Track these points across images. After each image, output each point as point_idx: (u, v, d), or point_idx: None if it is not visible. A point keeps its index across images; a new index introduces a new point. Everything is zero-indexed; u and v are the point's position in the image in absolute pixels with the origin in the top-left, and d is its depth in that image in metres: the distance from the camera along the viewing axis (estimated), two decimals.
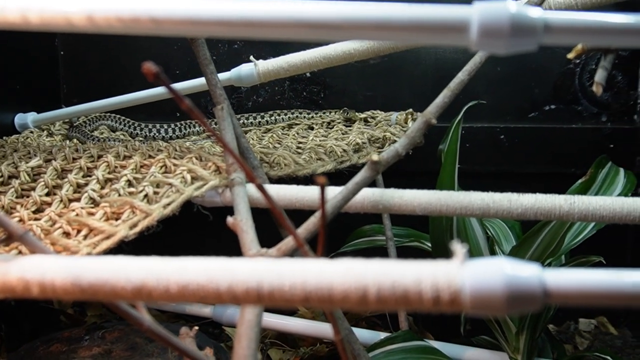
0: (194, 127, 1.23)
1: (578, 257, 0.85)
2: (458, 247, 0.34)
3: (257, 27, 0.38)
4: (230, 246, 0.73)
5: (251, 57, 0.93)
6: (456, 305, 0.33)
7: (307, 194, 0.73)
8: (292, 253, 0.61)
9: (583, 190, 0.88)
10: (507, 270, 0.32)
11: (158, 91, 1.04)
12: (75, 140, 1.09)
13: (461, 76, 0.70)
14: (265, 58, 0.95)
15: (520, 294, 0.31)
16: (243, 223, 0.65)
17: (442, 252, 0.82)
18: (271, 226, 0.76)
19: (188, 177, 0.74)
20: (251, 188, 0.73)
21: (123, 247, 0.65)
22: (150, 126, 1.20)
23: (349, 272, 0.35)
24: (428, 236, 0.97)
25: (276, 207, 0.46)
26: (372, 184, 0.68)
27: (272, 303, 0.35)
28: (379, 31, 0.37)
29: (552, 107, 1.24)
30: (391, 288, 0.33)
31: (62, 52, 1.33)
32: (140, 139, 1.17)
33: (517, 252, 0.84)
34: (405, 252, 1.08)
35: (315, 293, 0.34)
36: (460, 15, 0.36)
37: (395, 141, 1.00)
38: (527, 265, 0.33)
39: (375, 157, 0.65)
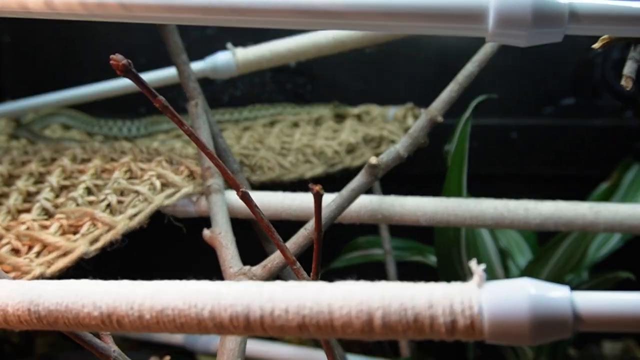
0: (162, 124, 1.22)
1: (603, 272, 0.86)
2: (475, 266, 0.35)
3: (244, 13, 0.38)
4: (208, 263, 0.73)
5: (228, 45, 0.93)
6: (473, 333, 0.33)
7: (295, 202, 0.73)
8: (280, 271, 0.61)
9: (607, 196, 0.89)
10: (532, 292, 0.33)
11: (120, 84, 1.04)
12: (23, 141, 1.08)
13: (470, 68, 0.71)
14: (244, 45, 0.95)
15: (548, 319, 0.31)
16: (222, 237, 0.65)
17: (448, 267, 0.82)
18: (250, 238, 0.76)
19: (157, 183, 0.73)
20: (231, 196, 0.73)
21: (83, 266, 0.64)
22: (110, 123, 1.19)
23: (351, 294, 0.35)
24: (432, 249, 0.97)
25: (264, 219, 0.46)
26: (369, 190, 0.68)
27: (263, 332, 0.35)
28: (383, 20, 0.37)
29: (571, 101, 1.26)
30: (399, 313, 0.34)
31: (7, 38, 1.32)
32: (100, 138, 1.16)
33: (533, 267, 0.85)
34: (406, 268, 1.08)
35: (313, 319, 0.34)
36: (474, 1, 0.37)
37: (393, 141, 1.00)
38: (555, 286, 0.33)
39: (373, 160, 0.65)
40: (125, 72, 0.41)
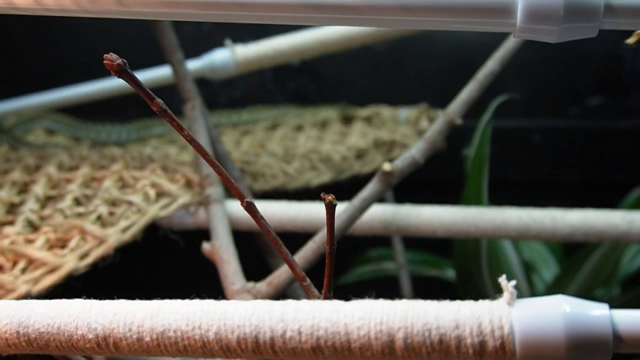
0: (154, 128, 1.23)
1: (637, 287, 0.86)
2: (504, 282, 0.35)
3: (248, 8, 0.38)
4: (208, 279, 0.72)
5: (227, 42, 0.93)
6: (504, 355, 0.33)
7: (301, 212, 0.73)
8: (287, 288, 0.61)
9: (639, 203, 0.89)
10: (568, 309, 0.32)
11: (109, 85, 1.04)
12: (5, 147, 1.08)
13: (492, 65, 0.71)
14: (244, 42, 0.95)
15: (587, 340, 0.31)
16: (223, 250, 0.65)
17: (468, 283, 0.82)
18: (251, 251, 0.76)
19: (151, 193, 0.74)
20: (231, 206, 0.73)
21: (72, 284, 0.64)
22: (98, 128, 1.20)
23: (370, 314, 0.35)
24: (450, 263, 0.97)
25: (271, 232, 0.46)
26: (380, 199, 0.68)
27: (273, 355, 0.35)
28: (400, 15, 0.37)
29: (598, 101, 1.26)
30: (423, 334, 0.33)
31: None
32: (88, 144, 1.16)
33: (560, 281, 0.85)
34: (421, 284, 1.08)
35: (328, 341, 0.34)
36: None
37: (406, 145, 1.00)
38: (592, 304, 0.33)
39: (387, 166, 0.65)
40: (120, 73, 0.41)
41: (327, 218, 0.42)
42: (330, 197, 0.41)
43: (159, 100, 0.44)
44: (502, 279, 0.34)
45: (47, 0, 0.41)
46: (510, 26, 0.38)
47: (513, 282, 0.34)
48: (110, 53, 0.41)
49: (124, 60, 0.42)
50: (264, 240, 0.80)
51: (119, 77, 0.42)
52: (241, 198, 0.47)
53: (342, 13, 0.38)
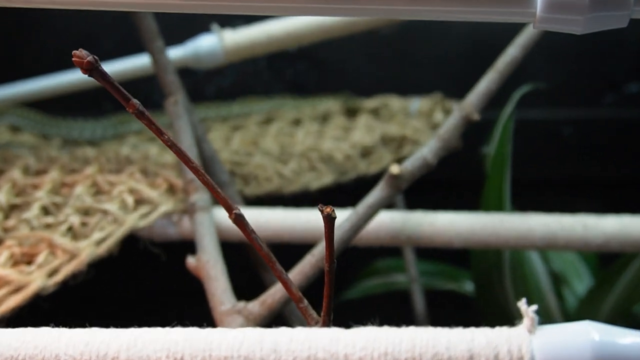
0: (132, 123, 1.23)
1: None
2: (524, 306, 0.35)
3: None
4: (194, 297, 0.73)
5: (214, 26, 0.93)
6: None
7: (299, 220, 0.73)
8: (283, 308, 0.61)
9: None
10: (596, 338, 0.33)
11: (81, 76, 1.04)
12: None
13: (513, 52, 0.71)
14: (233, 26, 0.95)
15: None
16: (210, 266, 0.66)
17: (489, 298, 0.83)
18: (239, 260, 0.77)
19: (129, 200, 0.74)
20: (220, 214, 0.73)
21: (39, 305, 0.65)
22: (70, 124, 1.20)
23: (373, 343, 0.35)
24: (468, 275, 0.97)
25: (263, 248, 0.47)
26: (389, 204, 0.69)
27: None
28: (407, 4, 0.38)
29: (636, 88, 1.26)
30: None
31: None
32: (58, 143, 1.17)
33: (594, 295, 0.85)
34: (436, 299, 1.08)
35: None
36: None
37: (418, 141, 1.01)
38: (623, 331, 0.33)
39: (395, 169, 0.65)
40: (91, 72, 0.41)
41: (326, 233, 0.43)
42: (328, 209, 0.42)
43: (135, 101, 0.44)
44: (522, 303, 0.34)
45: None
46: (529, 16, 0.38)
47: (534, 307, 0.34)
48: (80, 49, 0.42)
49: (95, 57, 0.42)
50: (256, 253, 0.81)
51: (89, 75, 0.42)
52: (229, 210, 0.47)
53: (343, 2, 0.39)
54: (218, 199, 0.46)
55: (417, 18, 0.39)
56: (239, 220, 0.47)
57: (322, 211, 0.42)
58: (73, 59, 0.41)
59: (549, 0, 0.37)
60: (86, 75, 1.08)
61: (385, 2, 0.38)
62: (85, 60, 0.41)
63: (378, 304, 1.19)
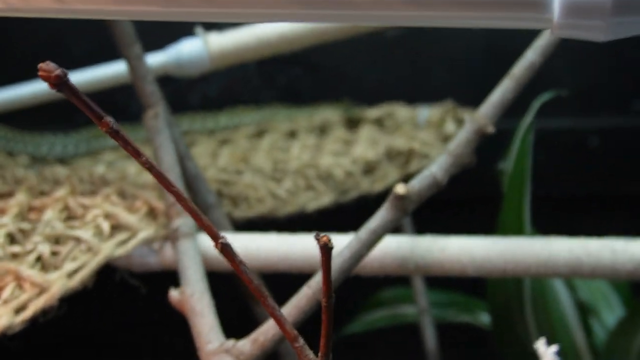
0: (107, 138, 1.23)
1: None
2: (543, 347, 0.35)
3: (222, 3, 0.39)
4: (179, 333, 0.73)
5: (198, 29, 0.94)
6: None
7: (294, 247, 0.73)
8: (277, 346, 0.61)
9: None
10: None
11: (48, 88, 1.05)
12: None
13: (531, 57, 0.71)
14: (220, 29, 0.96)
15: None
16: (196, 300, 0.66)
17: (508, 331, 0.83)
18: (227, 290, 0.77)
19: (105, 226, 0.74)
20: (206, 241, 0.73)
21: (6, 345, 0.65)
22: (38, 139, 1.20)
23: None
24: (484, 305, 0.97)
25: (254, 282, 0.47)
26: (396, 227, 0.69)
27: None
28: (411, 10, 0.38)
29: None
30: None
31: None
32: (24, 161, 1.17)
33: (626, 327, 0.85)
34: (448, 332, 1.08)
35: None
36: None
37: (427, 155, 1.01)
38: None
39: (401, 188, 0.65)
40: (60, 87, 0.41)
41: (323, 265, 0.43)
42: (325, 239, 0.42)
43: (108, 118, 0.44)
44: (540, 344, 0.34)
45: None
46: (546, 22, 0.38)
47: (554, 348, 0.34)
48: (47, 62, 0.42)
49: (64, 71, 0.42)
50: (246, 285, 0.81)
51: (58, 91, 0.42)
52: (215, 238, 0.47)
53: (339, 9, 0.39)
54: (202, 227, 0.46)
55: (425, 25, 0.39)
56: (226, 250, 0.47)
57: (318, 240, 0.42)
58: (39, 73, 0.41)
59: (567, 4, 0.37)
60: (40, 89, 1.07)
61: (390, 8, 0.38)
62: (53, 75, 0.41)
63: (384, 338, 1.19)
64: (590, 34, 0.38)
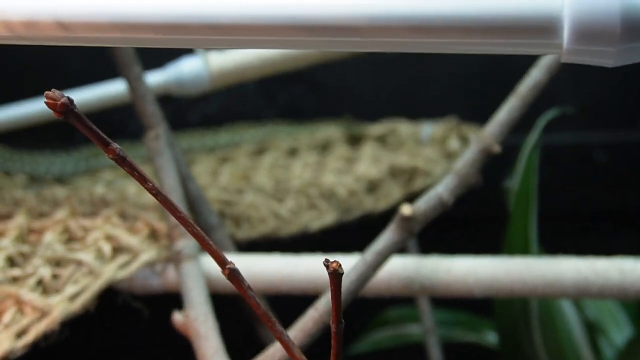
0: (106, 156, 1.24)
1: None
2: None
3: (227, 32, 0.40)
4: (183, 356, 0.73)
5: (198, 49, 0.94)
6: None
7: (298, 269, 0.74)
8: None
9: None
10: None
11: (45, 108, 1.05)
12: None
13: (537, 75, 0.72)
14: (220, 49, 0.96)
15: None
16: (200, 323, 0.66)
17: (515, 351, 0.83)
18: (232, 312, 0.77)
19: (106, 248, 0.74)
20: (209, 263, 0.74)
21: None
22: (36, 158, 1.21)
23: None
24: (492, 325, 0.97)
25: (262, 307, 0.47)
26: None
27: None
28: (415, 36, 0.39)
29: None
30: None
31: None
32: (22, 181, 1.17)
33: (635, 346, 0.85)
34: (455, 352, 1.08)
35: None
36: (540, 8, 0.38)
37: (431, 173, 1.01)
38: None
39: (407, 210, 0.66)
40: (67, 115, 0.42)
41: (333, 291, 0.43)
42: (334, 265, 0.42)
43: (115, 145, 0.45)
44: None
45: None
46: (555, 48, 0.39)
47: None
48: (53, 90, 0.43)
49: (70, 99, 0.43)
50: (252, 307, 0.81)
51: (64, 120, 0.43)
52: (222, 265, 0.47)
53: (344, 36, 0.40)
54: (210, 253, 0.47)
55: (433, 52, 0.40)
56: (234, 276, 0.47)
57: (327, 267, 0.43)
58: (45, 102, 0.42)
59: (577, 31, 0.38)
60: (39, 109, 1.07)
61: (397, 36, 0.38)
62: (60, 103, 0.42)
63: (390, 358, 1.19)
64: (600, 60, 0.39)
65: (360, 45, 0.40)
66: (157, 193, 0.46)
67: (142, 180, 0.46)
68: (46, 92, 0.43)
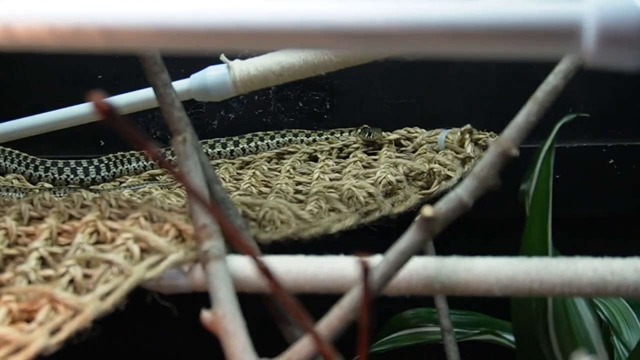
0: (129, 162, 1.26)
1: None
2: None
3: (263, 39, 0.41)
4: (210, 352, 0.74)
5: (222, 57, 0.96)
6: None
7: (322, 269, 0.75)
8: None
9: None
10: None
11: (72, 112, 1.07)
12: None
13: (553, 81, 0.73)
14: (242, 56, 0.98)
15: None
16: (228, 320, 0.67)
17: (532, 350, 0.84)
18: (249, 307, 0.78)
19: (135, 249, 0.75)
20: (235, 263, 0.75)
21: None
22: (60, 164, 1.22)
23: None
24: (508, 324, 0.98)
25: (292, 303, 0.48)
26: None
27: None
28: (438, 43, 0.40)
29: None
30: None
31: None
32: (48, 185, 1.19)
33: None
34: (472, 351, 1.09)
35: None
36: (567, 14, 0.39)
37: (448, 177, 1.02)
38: None
39: (428, 211, 0.67)
40: (111, 117, 0.44)
41: (364, 287, 0.45)
42: (365, 262, 0.43)
43: (154, 146, 0.46)
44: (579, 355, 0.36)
45: (20, 34, 0.44)
46: (575, 51, 0.40)
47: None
48: (96, 93, 0.44)
49: (112, 103, 0.44)
50: (274, 304, 0.82)
51: (108, 123, 0.44)
52: (257, 262, 0.49)
53: (372, 41, 0.41)
54: (245, 252, 0.48)
55: (455, 56, 0.41)
56: (268, 273, 0.48)
57: (359, 263, 0.44)
58: (93, 104, 0.43)
59: (602, 35, 0.39)
60: (76, 111, 1.09)
61: (425, 42, 0.40)
62: (107, 107, 0.43)
63: (408, 357, 1.20)
64: (623, 63, 0.40)
65: (392, 49, 0.42)
66: (196, 195, 0.48)
67: (180, 177, 0.48)
68: (91, 96, 0.44)
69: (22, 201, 0.89)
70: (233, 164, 1.23)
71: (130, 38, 0.44)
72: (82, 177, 1.21)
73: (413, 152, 1.19)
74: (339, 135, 1.27)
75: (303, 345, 0.62)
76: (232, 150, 1.26)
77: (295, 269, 0.74)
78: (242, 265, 0.74)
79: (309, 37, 0.42)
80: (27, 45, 0.45)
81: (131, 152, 1.26)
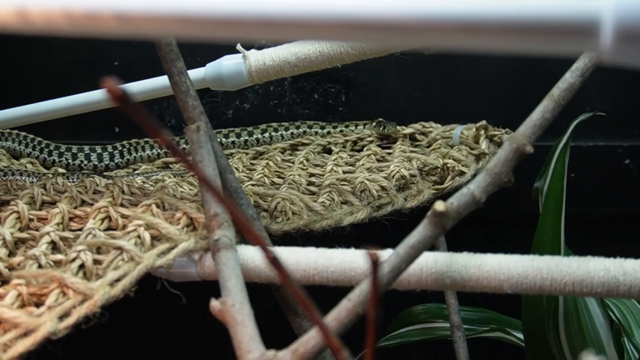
0: (143, 149, 1.26)
1: None
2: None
3: (281, 28, 0.41)
4: (218, 341, 0.74)
5: (238, 46, 0.96)
6: None
7: (332, 261, 0.75)
8: (316, 357, 0.63)
9: None
10: None
11: (88, 98, 1.07)
12: None
13: (570, 78, 0.73)
14: (258, 46, 0.98)
15: None
16: (236, 310, 0.67)
17: (541, 349, 0.84)
18: (259, 302, 0.78)
19: (146, 236, 0.75)
20: (245, 252, 0.75)
21: (50, 350, 0.66)
22: (74, 150, 1.23)
23: None
24: (517, 322, 0.98)
25: (301, 294, 0.48)
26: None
27: None
28: (457, 34, 0.40)
29: None
30: None
31: None
32: (62, 170, 1.19)
33: None
34: (481, 348, 1.09)
35: None
36: (586, 10, 0.39)
37: (461, 172, 1.02)
38: None
39: (440, 206, 0.67)
40: (125, 103, 0.43)
41: (373, 281, 0.44)
42: (375, 256, 0.43)
43: (166, 134, 0.46)
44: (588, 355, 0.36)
45: (34, 17, 0.44)
46: (593, 48, 0.40)
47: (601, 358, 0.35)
48: (110, 79, 0.44)
49: (126, 90, 0.44)
50: (283, 295, 0.83)
51: (122, 108, 0.44)
52: (267, 252, 0.49)
53: (388, 34, 0.41)
54: (255, 242, 0.48)
55: (472, 51, 0.41)
56: (277, 263, 0.48)
57: (369, 256, 0.44)
58: (106, 90, 0.43)
59: (618, 32, 0.39)
60: (90, 97, 1.10)
61: (442, 37, 0.40)
62: (120, 92, 0.43)
63: (416, 352, 1.20)
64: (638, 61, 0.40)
65: (406, 42, 0.41)
66: (208, 185, 0.48)
67: (196, 169, 0.48)
68: (105, 82, 0.44)
69: (35, 185, 0.90)
70: (247, 154, 1.23)
71: (146, 24, 0.44)
72: (96, 163, 1.22)
73: (427, 146, 1.19)
74: (353, 128, 1.27)
75: (311, 337, 0.62)
76: (246, 140, 1.27)
77: (305, 260, 0.74)
78: (252, 255, 0.74)
79: (326, 28, 0.42)
80: (42, 30, 0.45)
81: (145, 139, 1.27)
